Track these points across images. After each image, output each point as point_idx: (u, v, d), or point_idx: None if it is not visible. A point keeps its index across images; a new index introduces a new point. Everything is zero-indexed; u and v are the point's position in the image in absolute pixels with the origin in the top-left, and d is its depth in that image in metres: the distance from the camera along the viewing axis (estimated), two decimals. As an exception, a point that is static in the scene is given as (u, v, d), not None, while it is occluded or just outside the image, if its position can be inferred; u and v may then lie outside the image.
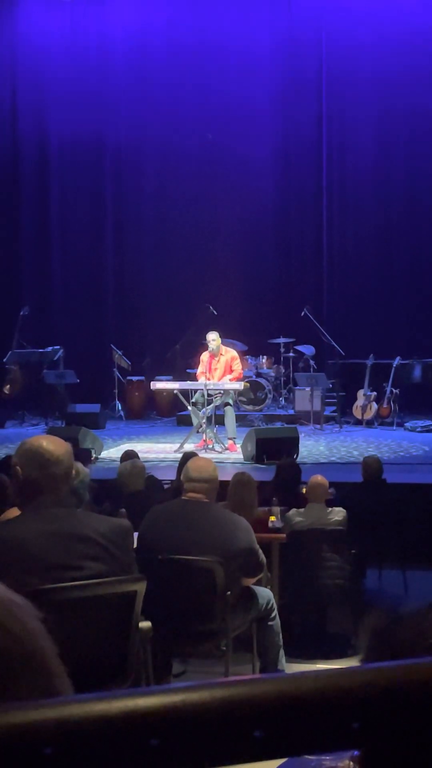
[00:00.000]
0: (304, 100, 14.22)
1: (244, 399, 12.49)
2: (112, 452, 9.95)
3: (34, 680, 0.87)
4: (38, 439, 3.11)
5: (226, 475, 5.95)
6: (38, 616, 0.94)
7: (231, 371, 10.54)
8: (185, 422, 11.62)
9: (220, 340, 10.57)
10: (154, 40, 14.51)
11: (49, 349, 12.95)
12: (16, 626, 0.89)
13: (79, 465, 4.34)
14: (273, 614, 4.81)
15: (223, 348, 10.69)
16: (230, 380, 10.40)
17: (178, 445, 10.17)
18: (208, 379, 10.27)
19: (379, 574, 6.81)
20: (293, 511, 5.90)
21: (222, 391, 10.26)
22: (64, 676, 0.93)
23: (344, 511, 5.89)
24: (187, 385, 10.58)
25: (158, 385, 11.20)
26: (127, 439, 11.35)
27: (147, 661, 3.81)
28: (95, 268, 14.85)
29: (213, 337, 10.43)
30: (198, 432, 10.29)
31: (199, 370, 10.64)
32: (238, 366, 10.69)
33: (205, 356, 10.58)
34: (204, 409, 10.10)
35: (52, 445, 3.02)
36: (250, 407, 12.58)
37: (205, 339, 10.57)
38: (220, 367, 10.50)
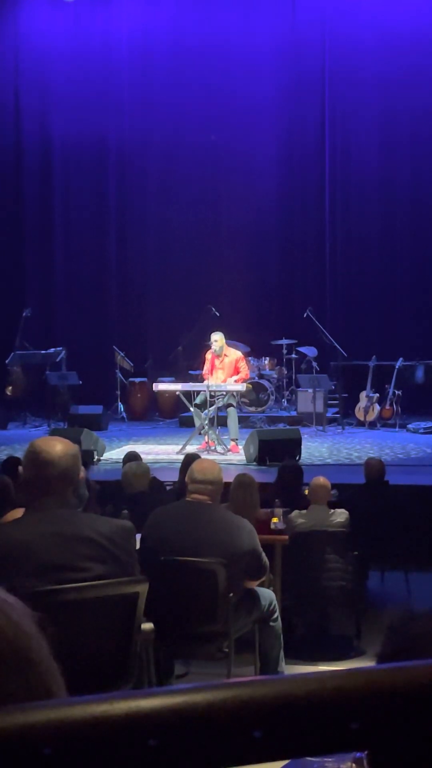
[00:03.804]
0: (307, 101, 14.24)
1: (247, 400, 12.49)
2: (114, 454, 9.95)
3: (26, 681, 0.87)
4: (43, 439, 3.11)
5: (229, 477, 5.94)
6: (32, 615, 0.93)
7: (237, 372, 10.54)
8: (188, 423, 11.62)
9: (224, 340, 10.57)
10: (157, 40, 14.53)
11: (52, 350, 12.96)
12: (8, 626, 0.88)
13: None
14: (275, 615, 4.81)
15: (229, 349, 10.69)
16: (236, 381, 10.40)
17: (180, 446, 10.17)
18: (207, 379, 10.28)
19: (381, 575, 6.81)
20: (295, 512, 5.90)
21: (224, 393, 10.25)
22: (57, 677, 0.92)
23: (346, 512, 5.89)
24: (190, 386, 10.58)
25: (161, 386, 11.20)
26: (129, 440, 11.35)
27: (149, 663, 3.81)
28: (98, 270, 14.87)
29: (216, 338, 10.43)
30: (200, 434, 10.29)
31: (205, 369, 10.66)
32: (244, 367, 10.69)
33: (209, 355, 10.60)
34: (206, 411, 10.10)
35: (51, 445, 3.00)
36: (252, 409, 12.58)
37: (209, 340, 10.58)
38: (224, 367, 10.50)
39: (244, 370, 10.68)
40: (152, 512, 4.54)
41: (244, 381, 10.65)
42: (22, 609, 0.92)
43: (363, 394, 12.32)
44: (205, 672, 4.98)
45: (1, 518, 3.92)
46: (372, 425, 12.19)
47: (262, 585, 4.85)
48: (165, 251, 14.60)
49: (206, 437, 10.17)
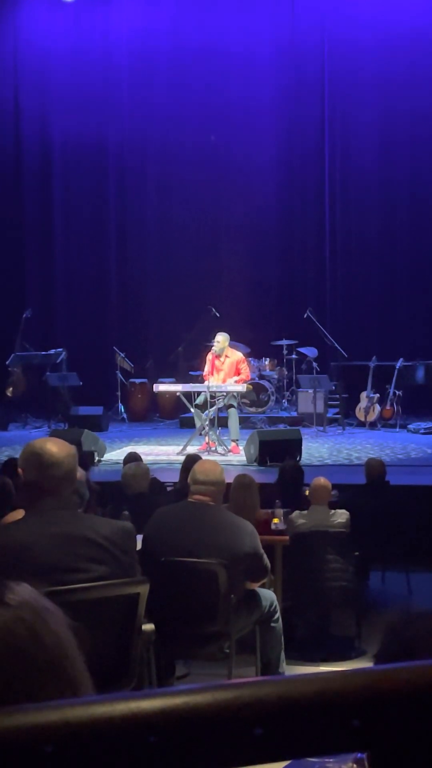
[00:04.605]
0: (307, 102, 14.23)
1: (247, 401, 12.49)
2: (114, 455, 9.95)
3: (59, 688, 0.88)
4: (41, 441, 3.12)
5: (229, 478, 5.94)
6: (69, 623, 0.94)
7: (238, 374, 10.54)
8: (188, 424, 11.62)
9: (227, 342, 10.55)
10: (157, 42, 14.52)
11: (52, 351, 12.95)
12: (47, 633, 0.89)
13: None
14: (276, 616, 4.81)
15: (230, 350, 10.68)
16: (236, 382, 10.39)
17: (180, 447, 10.16)
18: (207, 380, 10.27)
19: (382, 576, 6.81)
20: (296, 513, 5.90)
21: (225, 393, 10.25)
22: (89, 685, 0.93)
23: (347, 513, 5.89)
24: (190, 387, 10.58)
25: (161, 387, 11.20)
26: (130, 441, 11.34)
27: (150, 664, 3.81)
28: (98, 271, 14.86)
29: (219, 339, 10.44)
30: (201, 434, 10.29)
31: (205, 370, 10.66)
32: (245, 369, 10.68)
33: (210, 356, 10.60)
34: (207, 411, 10.09)
35: (53, 447, 3.02)
36: (252, 409, 12.57)
37: (209, 340, 10.58)
38: (225, 368, 10.50)
39: (245, 372, 10.67)
40: (154, 513, 4.55)
41: (245, 383, 10.64)
42: (61, 617, 0.92)
43: (363, 395, 12.31)
44: (206, 673, 4.98)
45: (1, 519, 3.92)
46: (372, 426, 12.18)
47: (263, 586, 4.85)
48: (165, 251, 14.59)
49: (207, 438, 10.16)
